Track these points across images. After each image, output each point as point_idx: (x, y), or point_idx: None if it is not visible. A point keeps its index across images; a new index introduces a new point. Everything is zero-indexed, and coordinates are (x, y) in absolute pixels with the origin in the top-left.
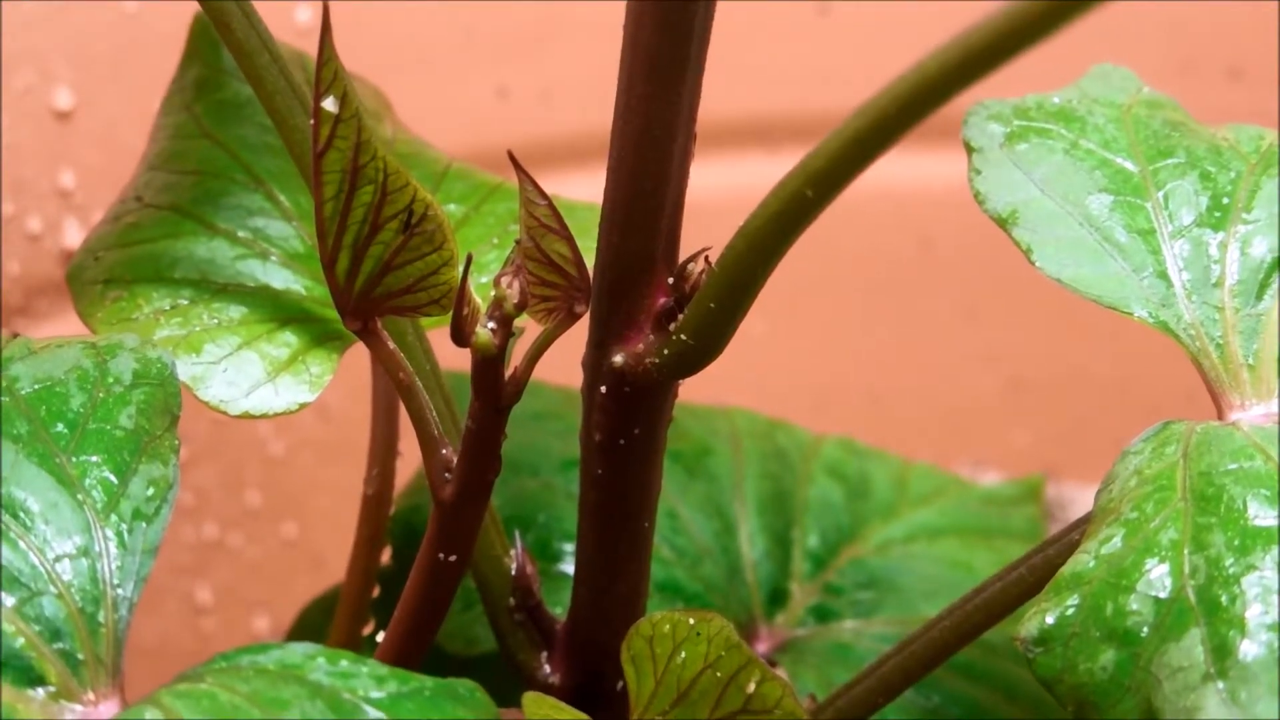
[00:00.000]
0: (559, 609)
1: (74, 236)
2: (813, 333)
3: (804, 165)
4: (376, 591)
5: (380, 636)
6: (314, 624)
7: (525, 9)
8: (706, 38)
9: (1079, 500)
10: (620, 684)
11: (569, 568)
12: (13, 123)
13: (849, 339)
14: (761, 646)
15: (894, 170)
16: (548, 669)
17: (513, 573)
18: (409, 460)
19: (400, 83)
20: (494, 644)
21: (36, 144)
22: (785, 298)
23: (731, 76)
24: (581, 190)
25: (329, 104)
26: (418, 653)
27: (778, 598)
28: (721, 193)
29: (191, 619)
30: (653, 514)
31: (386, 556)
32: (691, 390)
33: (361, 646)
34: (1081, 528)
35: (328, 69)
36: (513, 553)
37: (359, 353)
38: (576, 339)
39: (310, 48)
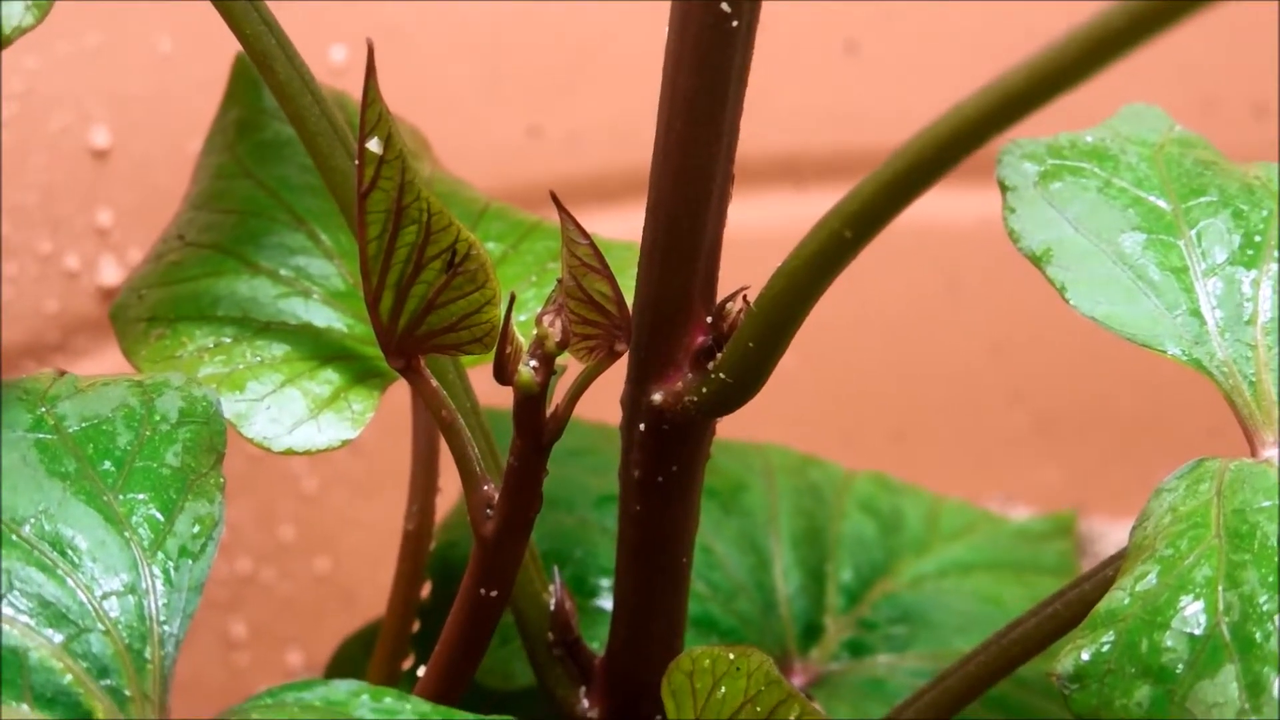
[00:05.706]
0: (595, 644)
1: (111, 274)
2: (841, 369)
3: (842, 206)
4: (416, 626)
5: (420, 671)
6: (352, 658)
7: (555, 50)
8: (745, 79)
9: (1109, 534)
10: (659, 718)
11: (605, 603)
12: (50, 162)
13: (877, 375)
14: (796, 681)
15: (920, 207)
16: (586, 704)
17: (551, 608)
18: (445, 496)
19: (431, 121)
20: (531, 679)
21: (73, 183)
22: (814, 334)
23: (760, 114)
24: (611, 228)
25: (373, 145)
26: (458, 688)
27: (812, 632)
28: (748, 229)
29: (225, 653)
30: (690, 550)
31: (425, 591)
32: (720, 425)
33: (401, 681)
34: (1115, 564)
35: (372, 110)
36: (551, 588)
37: (391, 390)
38: (610, 376)
39: (345, 87)
